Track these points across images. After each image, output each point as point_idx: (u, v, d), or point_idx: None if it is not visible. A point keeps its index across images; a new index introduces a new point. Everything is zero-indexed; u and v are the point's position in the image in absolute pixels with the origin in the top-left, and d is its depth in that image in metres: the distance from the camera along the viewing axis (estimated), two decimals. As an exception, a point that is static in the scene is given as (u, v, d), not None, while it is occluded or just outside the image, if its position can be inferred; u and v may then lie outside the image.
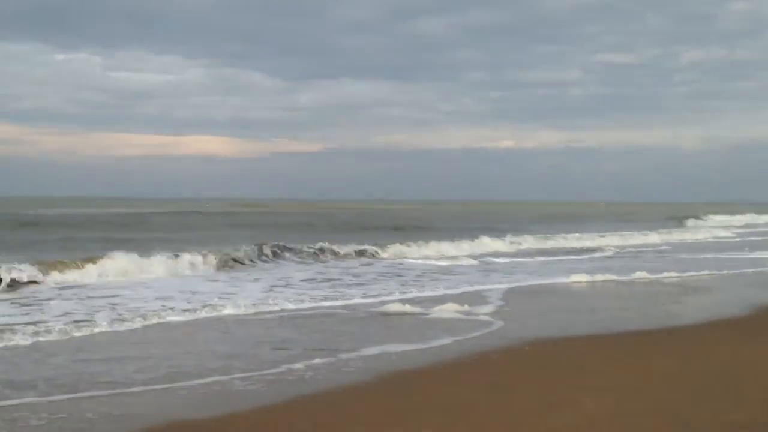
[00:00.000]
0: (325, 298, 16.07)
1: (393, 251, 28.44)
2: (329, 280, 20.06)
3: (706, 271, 21.90)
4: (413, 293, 17.02)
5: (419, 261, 26.20)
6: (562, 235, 39.45)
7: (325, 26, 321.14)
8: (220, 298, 15.68)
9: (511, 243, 33.94)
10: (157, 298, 15.67)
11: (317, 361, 9.91)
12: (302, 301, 15.60)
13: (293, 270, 22.97)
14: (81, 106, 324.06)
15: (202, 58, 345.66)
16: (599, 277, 19.75)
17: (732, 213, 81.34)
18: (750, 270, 23.03)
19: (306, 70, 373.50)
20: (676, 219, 67.43)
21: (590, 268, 22.15)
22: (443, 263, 25.14)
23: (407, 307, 14.49)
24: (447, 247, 30.45)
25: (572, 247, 34.04)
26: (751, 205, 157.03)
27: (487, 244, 32.65)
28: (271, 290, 17.60)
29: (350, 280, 19.93)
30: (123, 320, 12.73)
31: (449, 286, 18.73)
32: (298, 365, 9.64)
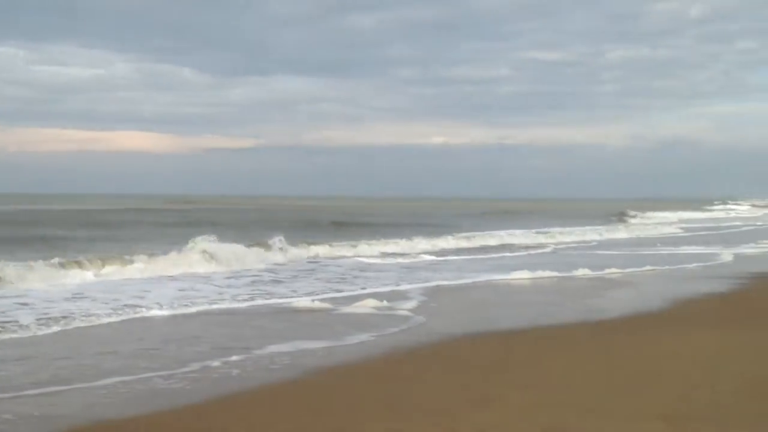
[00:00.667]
0: (249, 297, 15.86)
1: (321, 249, 27.92)
2: (251, 277, 19.68)
3: (648, 267, 22.20)
4: (332, 291, 16.92)
5: (351, 258, 25.84)
6: (499, 231, 39.67)
7: (256, 21, 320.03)
8: (139, 297, 15.36)
9: (451, 240, 33.74)
10: (75, 298, 15.19)
11: (234, 358, 9.87)
12: (223, 299, 15.37)
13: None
14: (4, 102, 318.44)
15: (131, 53, 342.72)
16: (540, 274, 19.76)
17: (662, 210, 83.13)
18: (693, 264, 23.37)
19: (237, 65, 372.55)
20: (615, 215, 68.78)
21: (531, 264, 22.22)
22: (378, 261, 24.92)
23: (316, 304, 14.62)
24: (383, 245, 30.04)
25: (512, 244, 33.97)
26: (678, 201, 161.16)
27: (422, 241, 32.39)
28: (191, 289, 17.13)
29: (270, 277, 19.60)
30: (46, 322, 12.26)
31: (380, 283, 18.63)
32: (215, 363, 9.61)
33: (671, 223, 56.41)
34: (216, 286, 17.59)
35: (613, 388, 8.30)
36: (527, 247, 32.30)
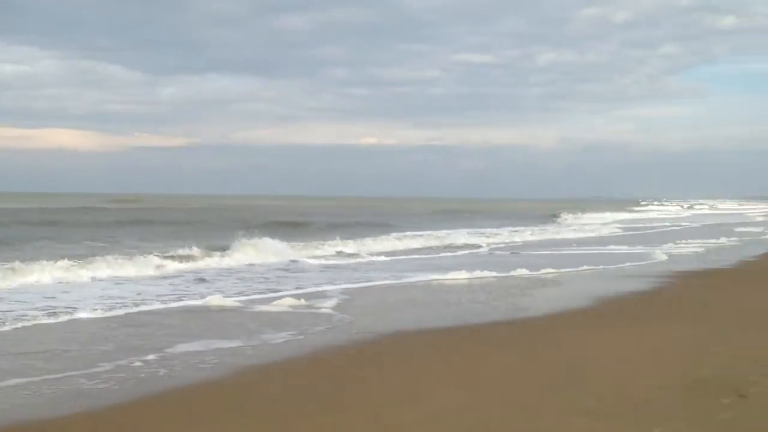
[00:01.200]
0: (175, 298, 15.54)
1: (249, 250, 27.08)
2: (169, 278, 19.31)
3: (585, 267, 22.24)
4: (254, 293, 16.62)
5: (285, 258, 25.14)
6: (437, 231, 39.63)
7: (189, 19, 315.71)
8: (56, 299, 15.03)
9: (389, 240, 33.36)
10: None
11: (150, 357, 9.79)
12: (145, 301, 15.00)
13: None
14: None
15: (59, 49, 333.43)
16: (478, 274, 19.62)
17: (591, 211, 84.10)
18: (627, 264, 23.52)
19: (168, 63, 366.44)
20: (549, 216, 69.20)
21: (468, 264, 22.04)
22: (312, 261, 24.50)
23: (228, 302, 14.56)
24: (319, 245, 29.45)
25: (450, 244, 33.66)
26: (605, 203, 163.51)
27: (357, 241, 31.88)
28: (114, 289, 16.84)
29: (193, 277, 19.28)
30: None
31: (311, 282, 18.47)
32: (134, 363, 9.48)
33: (606, 224, 56.84)
34: (143, 286, 17.29)
35: (539, 385, 8.40)
36: (465, 247, 32.17)
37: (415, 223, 52.88)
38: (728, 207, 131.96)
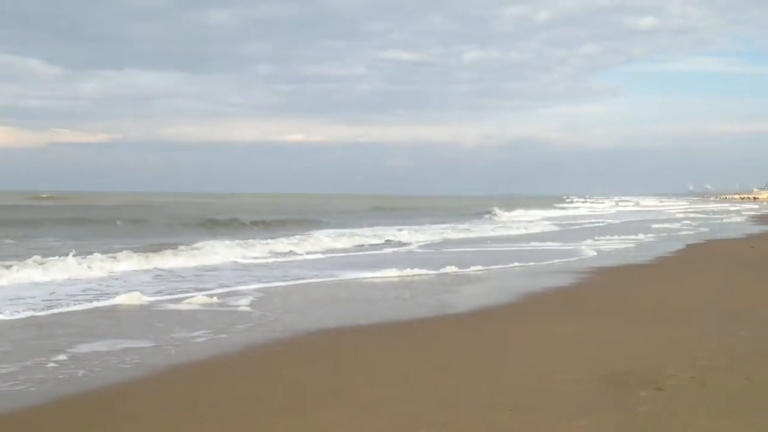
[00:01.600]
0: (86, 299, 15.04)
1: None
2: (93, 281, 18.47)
3: (516, 263, 22.22)
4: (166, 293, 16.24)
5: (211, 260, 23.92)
6: (364, 230, 39.35)
7: (110, 13, 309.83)
8: None
9: (320, 237, 32.41)
10: None
11: (61, 357, 9.61)
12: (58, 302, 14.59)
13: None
14: None
15: None
16: (409, 272, 19.43)
17: (519, 207, 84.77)
18: (557, 260, 23.72)
19: (89, 58, 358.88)
20: (481, 212, 69.64)
21: (398, 262, 22.00)
22: (240, 260, 23.94)
23: (141, 300, 14.38)
24: (250, 244, 28.60)
25: (377, 243, 33.15)
26: (529, 199, 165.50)
27: (287, 239, 31.15)
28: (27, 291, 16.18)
29: (116, 278, 18.71)
30: None
31: (235, 281, 18.19)
32: (51, 364, 9.30)
33: (536, 221, 57.00)
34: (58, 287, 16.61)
35: (463, 380, 8.47)
36: (395, 244, 31.77)
37: (345, 220, 52.57)
38: (651, 204, 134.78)
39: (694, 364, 8.86)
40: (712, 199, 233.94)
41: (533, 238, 35.97)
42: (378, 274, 19.32)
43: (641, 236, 36.37)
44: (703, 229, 45.40)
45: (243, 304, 14.16)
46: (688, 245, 31.02)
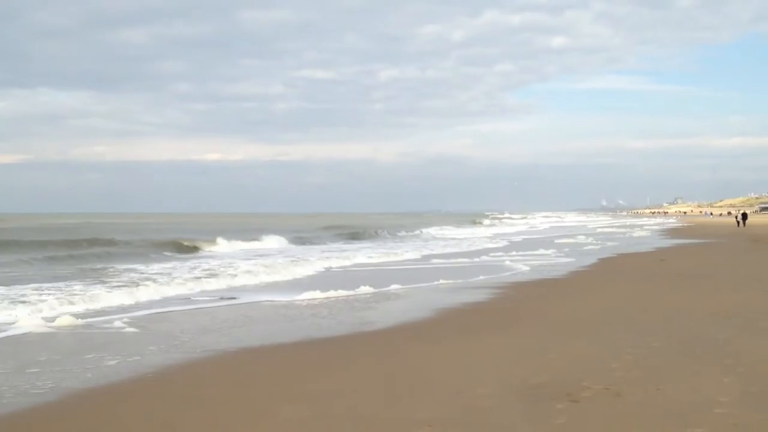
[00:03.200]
0: None
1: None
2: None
3: (442, 281, 22.18)
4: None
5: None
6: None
7: (18, 32, 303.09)
8: None
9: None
10: None
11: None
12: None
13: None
14: None
15: None
16: (333, 293, 18.96)
17: (443, 224, 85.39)
18: (482, 277, 23.76)
19: None
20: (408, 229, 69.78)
21: (320, 284, 21.42)
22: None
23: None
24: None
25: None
26: (449, 215, 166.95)
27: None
28: None
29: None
30: None
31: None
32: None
33: (466, 238, 57.26)
34: None
35: (381, 396, 8.45)
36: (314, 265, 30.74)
37: (231, 234, 52.03)
38: (573, 219, 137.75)
39: (608, 376, 8.99)
40: (624, 213, 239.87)
41: (462, 255, 36.37)
42: (298, 297, 18.71)
43: (551, 251, 37.07)
44: (610, 243, 46.51)
45: (117, 325, 14.04)
46: (600, 259, 31.63)
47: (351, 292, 19.28)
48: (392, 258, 35.27)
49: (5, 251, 36.28)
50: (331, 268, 29.42)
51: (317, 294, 18.86)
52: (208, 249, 42.31)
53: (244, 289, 21.05)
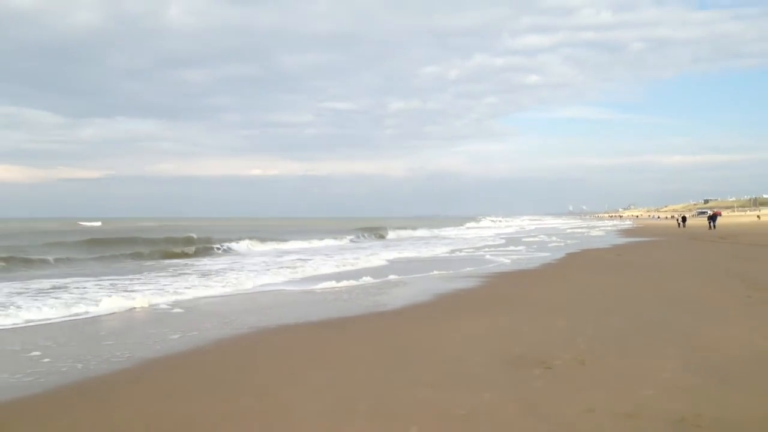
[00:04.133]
0: None
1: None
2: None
3: (435, 272, 22.08)
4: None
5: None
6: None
7: (102, 73, 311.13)
8: None
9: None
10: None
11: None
12: None
13: None
14: None
15: None
16: (345, 283, 18.68)
17: (446, 226, 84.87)
18: (468, 268, 23.70)
19: (86, 108, 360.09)
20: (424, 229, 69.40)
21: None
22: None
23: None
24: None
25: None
26: (445, 218, 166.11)
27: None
28: None
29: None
30: None
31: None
32: None
33: (465, 238, 56.57)
34: None
35: (391, 364, 8.50)
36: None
37: (290, 236, 52.51)
38: (551, 222, 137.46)
39: (575, 348, 9.07)
40: (587, 217, 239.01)
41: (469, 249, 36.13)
42: (321, 286, 18.78)
43: (522, 248, 37.02)
44: (576, 241, 46.36)
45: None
46: (567, 254, 31.59)
47: (423, 274, 19.45)
48: (428, 253, 35.04)
49: (110, 248, 35.92)
50: (397, 258, 30.18)
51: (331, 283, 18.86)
52: (285, 246, 41.66)
53: (353, 274, 20.97)
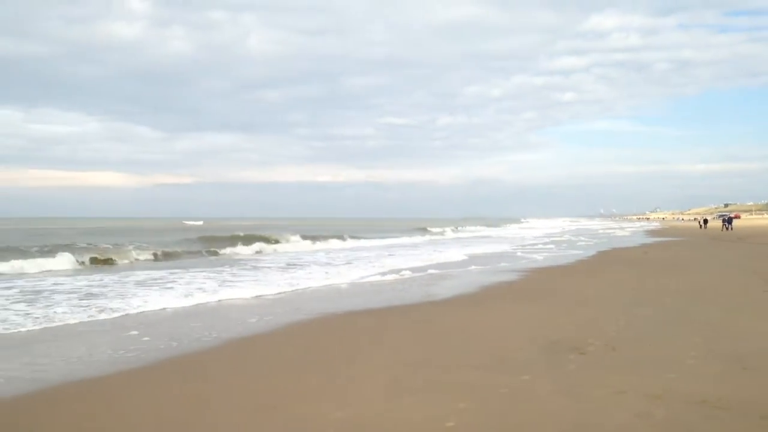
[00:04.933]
0: None
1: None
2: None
3: (473, 267, 21.89)
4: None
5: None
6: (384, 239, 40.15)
7: (193, 94, 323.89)
8: None
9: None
10: None
11: None
12: None
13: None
14: (5, 150, 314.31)
15: (98, 115, 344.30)
16: (404, 275, 18.82)
17: (486, 225, 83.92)
18: (503, 264, 23.53)
19: (179, 125, 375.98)
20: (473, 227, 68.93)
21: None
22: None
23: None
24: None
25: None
26: (485, 219, 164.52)
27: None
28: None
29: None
30: None
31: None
32: None
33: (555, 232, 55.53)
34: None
35: (442, 347, 8.38)
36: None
37: (363, 234, 52.48)
38: (584, 223, 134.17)
39: (606, 336, 8.79)
40: (617, 219, 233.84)
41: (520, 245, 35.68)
42: (385, 278, 18.76)
43: (564, 245, 36.35)
44: (601, 240, 45.37)
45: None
46: (598, 252, 30.92)
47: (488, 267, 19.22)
48: (497, 249, 34.66)
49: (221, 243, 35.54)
50: (473, 253, 30.04)
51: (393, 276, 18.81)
52: (367, 243, 41.46)
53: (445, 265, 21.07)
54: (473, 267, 21.55)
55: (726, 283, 15.62)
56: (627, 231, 71.56)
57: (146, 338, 9.23)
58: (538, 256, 27.49)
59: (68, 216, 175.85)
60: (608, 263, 23.72)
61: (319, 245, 37.47)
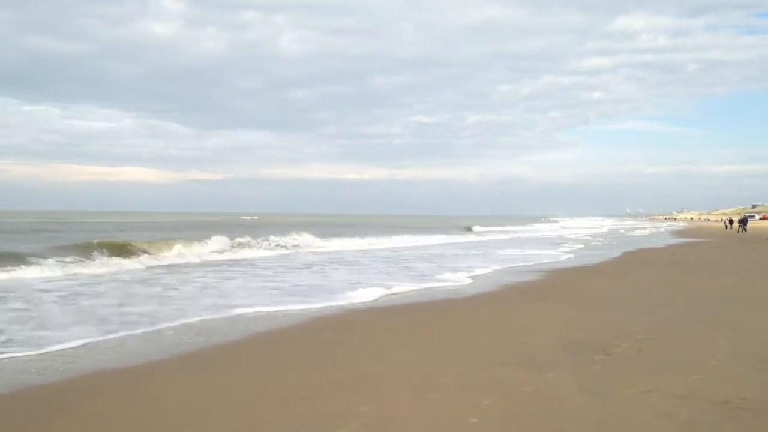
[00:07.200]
0: None
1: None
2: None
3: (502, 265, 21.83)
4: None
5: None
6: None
7: (224, 92, 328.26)
8: None
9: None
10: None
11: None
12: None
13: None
14: (43, 145, 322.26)
15: (133, 111, 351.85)
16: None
17: (507, 224, 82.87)
18: (531, 263, 23.35)
19: (211, 122, 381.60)
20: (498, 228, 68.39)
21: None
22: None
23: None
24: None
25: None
26: (511, 217, 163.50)
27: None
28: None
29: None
30: None
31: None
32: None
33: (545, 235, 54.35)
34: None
35: (466, 345, 8.38)
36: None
37: (389, 230, 51.44)
38: (608, 223, 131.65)
39: (632, 337, 8.72)
40: (643, 219, 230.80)
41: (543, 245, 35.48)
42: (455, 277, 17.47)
43: (599, 243, 35.98)
44: (628, 240, 44.72)
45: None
46: (624, 252, 30.57)
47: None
48: (544, 251, 33.23)
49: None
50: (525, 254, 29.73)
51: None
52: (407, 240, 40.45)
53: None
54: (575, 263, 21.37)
55: (752, 284, 15.41)
56: (658, 230, 70.65)
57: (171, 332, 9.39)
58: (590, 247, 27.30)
59: (108, 210, 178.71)
60: (633, 264, 23.41)
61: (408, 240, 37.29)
